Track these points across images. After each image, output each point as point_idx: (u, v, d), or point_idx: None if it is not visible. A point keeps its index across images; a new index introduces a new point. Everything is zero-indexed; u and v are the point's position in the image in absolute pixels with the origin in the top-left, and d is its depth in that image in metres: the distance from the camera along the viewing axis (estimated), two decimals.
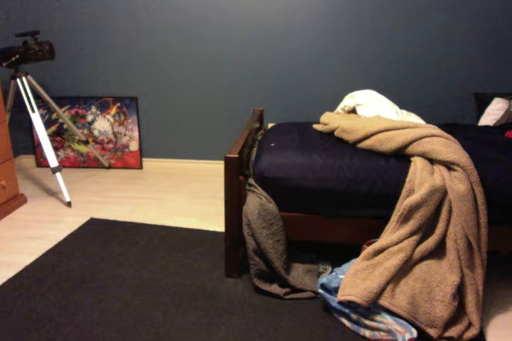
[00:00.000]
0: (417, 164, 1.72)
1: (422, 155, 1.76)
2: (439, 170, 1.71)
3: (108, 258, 2.07)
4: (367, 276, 1.61)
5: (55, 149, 3.49)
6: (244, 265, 1.98)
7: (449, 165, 1.70)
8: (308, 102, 3.17)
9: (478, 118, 2.72)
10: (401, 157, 1.81)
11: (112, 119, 3.38)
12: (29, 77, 2.82)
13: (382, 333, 1.53)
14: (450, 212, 1.64)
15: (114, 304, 1.73)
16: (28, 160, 3.60)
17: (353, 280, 1.62)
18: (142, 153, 3.49)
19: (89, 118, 3.39)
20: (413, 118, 2.33)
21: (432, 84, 3.01)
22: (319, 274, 1.90)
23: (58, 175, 2.70)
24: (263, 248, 1.74)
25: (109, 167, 3.48)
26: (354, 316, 1.58)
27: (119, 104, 3.34)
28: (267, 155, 1.88)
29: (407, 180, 1.69)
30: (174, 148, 3.46)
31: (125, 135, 3.40)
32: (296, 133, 2.20)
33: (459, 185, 1.64)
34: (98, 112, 3.37)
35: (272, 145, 1.99)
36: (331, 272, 1.85)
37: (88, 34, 3.20)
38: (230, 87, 3.22)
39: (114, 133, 3.41)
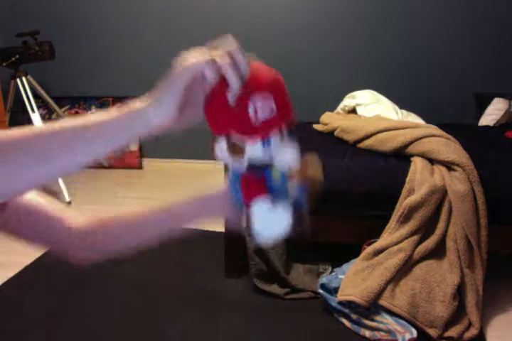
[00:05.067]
0: (417, 164, 1.72)
1: (422, 155, 1.76)
2: (439, 170, 1.71)
3: (108, 259, 2.07)
4: (367, 276, 1.61)
5: None
6: (244, 265, 1.97)
7: (449, 165, 1.70)
8: (308, 102, 3.16)
9: (478, 118, 2.72)
10: (401, 157, 1.81)
11: None
12: (29, 77, 2.81)
13: (382, 333, 1.53)
14: (450, 212, 1.64)
15: (114, 304, 1.72)
16: None
17: (353, 280, 1.62)
18: (142, 153, 3.49)
19: None
20: (413, 119, 2.33)
21: (432, 84, 3.01)
22: (319, 274, 1.90)
23: None
24: (263, 248, 1.74)
25: (109, 167, 3.48)
26: (354, 316, 1.58)
27: (119, 104, 3.34)
28: None
29: (407, 180, 1.69)
30: (174, 148, 3.45)
31: None
32: (295, 133, 2.20)
33: (459, 185, 1.63)
34: None
35: None
36: (331, 272, 1.85)
37: (88, 34, 3.20)
38: None
39: None
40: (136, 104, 0.44)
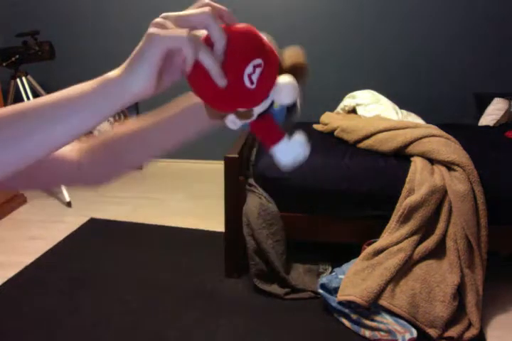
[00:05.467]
0: (417, 164, 1.72)
1: (422, 155, 1.76)
2: (439, 170, 1.71)
3: (108, 258, 2.07)
4: (367, 276, 1.61)
5: None
6: (244, 265, 1.98)
7: (449, 165, 1.70)
8: (308, 102, 3.16)
9: (478, 118, 2.72)
10: (401, 157, 1.81)
11: (111, 119, 3.38)
12: (29, 77, 2.81)
13: (383, 333, 1.53)
14: (450, 212, 1.64)
15: (114, 304, 1.72)
16: None
17: (353, 280, 1.62)
18: None
19: None
20: (413, 118, 2.33)
21: (432, 84, 3.01)
22: (319, 274, 1.90)
23: None
24: (263, 248, 1.74)
25: None
26: (354, 316, 1.58)
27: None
28: (267, 155, 1.87)
29: (407, 180, 1.69)
30: None
31: None
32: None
33: (459, 185, 1.63)
34: None
35: None
36: (331, 272, 1.85)
37: (88, 34, 3.20)
38: None
39: None
40: (113, 73, 0.43)
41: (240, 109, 0.44)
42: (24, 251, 2.16)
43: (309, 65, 0.45)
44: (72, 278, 1.90)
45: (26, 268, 1.98)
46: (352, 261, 1.73)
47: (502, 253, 2.08)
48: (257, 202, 1.76)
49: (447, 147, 1.73)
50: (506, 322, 1.65)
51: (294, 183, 1.78)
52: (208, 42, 0.41)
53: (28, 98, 2.67)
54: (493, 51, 2.88)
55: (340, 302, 1.61)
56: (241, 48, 0.42)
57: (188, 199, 2.85)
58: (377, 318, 1.56)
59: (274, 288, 1.78)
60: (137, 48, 0.42)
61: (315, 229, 1.85)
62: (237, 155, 1.73)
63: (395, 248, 1.62)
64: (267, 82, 0.43)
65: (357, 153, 1.86)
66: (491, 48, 2.87)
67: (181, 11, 0.46)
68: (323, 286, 1.68)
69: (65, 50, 3.27)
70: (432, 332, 1.52)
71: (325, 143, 2.01)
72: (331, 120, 2.21)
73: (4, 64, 2.68)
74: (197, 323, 1.61)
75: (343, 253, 2.06)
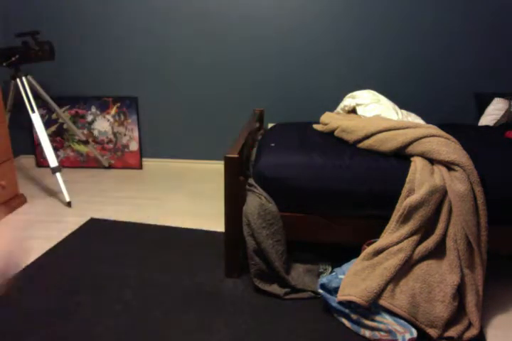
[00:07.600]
0: (417, 164, 1.72)
1: (422, 155, 1.76)
2: (439, 170, 1.71)
3: (108, 258, 2.07)
4: (367, 276, 1.61)
5: (55, 149, 3.49)
6: (244, 265, 1.98)
7: (449, 165, 1.70)
8: (308, 102, 3.17)
9: (478, 118, 2.72)
10: (401, 157, 1.81)
11: (111, 119, 3.38)
12: (29, 77, 2.82)
13: (382, 333, 1.53)
14: (450, 212, 1.64)
15: (114, 304, 1.73)
16: (28, 160, 3.60)
17: (353, 280, 1.62)
18: (142, 153, 3.49)
19: (89, 118, 3.39)
20: (413, 119, 2.33)
21: (432, 84, 3.01)
22: (319, 274, 1.90)
23: (58, 175, 2.70)
24: (263, 248, 1.74)
25: (109, 167, 3.48)
26: (354, 316, 1.58)
27: (119, 104, 3.34)
28: (267, 155, 1.88)
29: (407, 180, 1.69)
30: (174, 148, 3.45)
31: (125, 135, 3.40)
32: (296, 133, 2.20)
33: (458, 185, 1.64)
34: (98, 112, 3.37)
35: (272, 145, 1.99)
36: (331, 272, 1.85)
37: (88, 34, 3.20)
38: (230, 87, 3.21)
39: (114, 133, 3.41)
40: None
41: None
42: None
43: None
44: (72, 278, 1.90)
45: (26, 268, 1.99)
46: (352, 261, 1.73)
47: (502, 253, 2.08)
48: (257, 202, 1.76)
49: (447, 147, 1.73)
50: (506, 322, 1.65)
51: (294, 183, 1.78)
52: None
53: (28, 98, 2.67)
54: (493, 51, 2.88)
55: (340, 302, 1.61)
56: None
57: (188, 199, 2.85)
58: (377, 318, 1.56)
59: (274, 288, 1.78)
60: None
61: (315, 229, 1.85)
62: (237, 155, 1.73)
63: (395, 248, 1.62)
64: None
65: (357, 153, 1.86)
66: (491, 48, 2.87)
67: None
68: (323, 286, 1.68)
69: (65, 50, 3.27)
70: (432, 332, 1.53)
71: (325, 143, 2.01)
72: (331, 120, 2.22)
73: (4, 64, 2.68)
74: (197, 323, 1.61)
75: (343, 253, 2.06)
